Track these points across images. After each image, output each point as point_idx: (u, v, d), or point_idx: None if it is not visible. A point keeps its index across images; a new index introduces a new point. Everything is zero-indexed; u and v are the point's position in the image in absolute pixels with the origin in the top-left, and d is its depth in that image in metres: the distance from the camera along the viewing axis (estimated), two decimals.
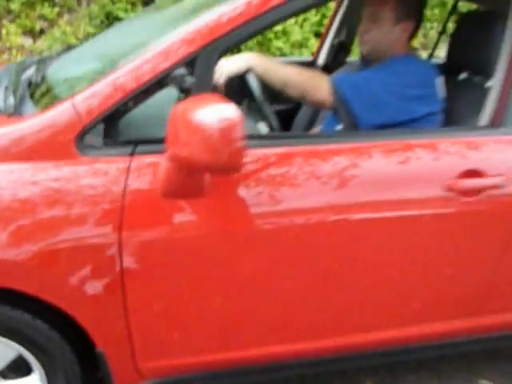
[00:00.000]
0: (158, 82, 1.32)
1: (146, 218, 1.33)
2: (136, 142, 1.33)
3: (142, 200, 1.33)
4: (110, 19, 5.42)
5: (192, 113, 1.15)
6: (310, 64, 2.72)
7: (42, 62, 1.85)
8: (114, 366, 1.46)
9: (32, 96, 1.55)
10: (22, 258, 1.25)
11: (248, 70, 1.67)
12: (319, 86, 1.72)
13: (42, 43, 5.35)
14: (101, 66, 1.55)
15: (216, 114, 1.15)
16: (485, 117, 1.63)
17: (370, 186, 1.49)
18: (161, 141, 1.28)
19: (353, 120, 1.72)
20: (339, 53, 2.69)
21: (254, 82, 1.67)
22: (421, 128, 1.74)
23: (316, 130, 2.17)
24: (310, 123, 2.35)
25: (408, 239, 1.57)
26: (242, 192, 1.38)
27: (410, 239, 1.57)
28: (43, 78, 1.66)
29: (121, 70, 1.33)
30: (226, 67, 1.67)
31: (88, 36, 5.18)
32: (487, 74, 1.78)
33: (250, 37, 1.42)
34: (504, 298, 1.81)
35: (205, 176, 1.29)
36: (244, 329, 1.55)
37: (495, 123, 1.59)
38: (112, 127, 1.32)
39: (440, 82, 1.84)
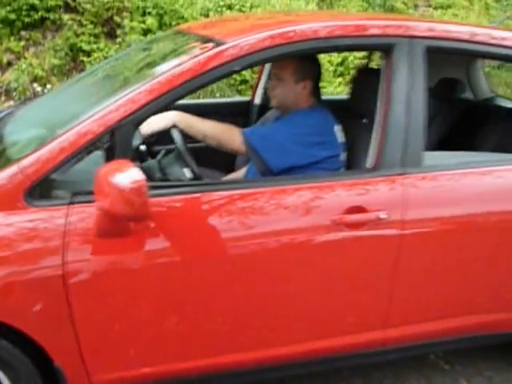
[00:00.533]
0: (89, 147, 1.63)
1: (83, 253, 1.64)
2: (73, 194, 1.64)
3: (78, 239, 1.62)
4: (74, 51, 5.69)
5: (112, 175, 1.46)
6: (248, 104, 3.04)
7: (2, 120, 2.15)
8: (70, 379, 1.74)
9: None
10: None
11: (172, 126, 1.99)
12: (232, 138, 2.03)
13: (9, 75, 5.61)
14: (44, 131, 1.85)
15: (128, 176, 1.46)
16: (369, 160, 1.96)
17: (273, 221, 1.80)
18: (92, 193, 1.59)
19: (264, 165, 2.05)
20: None
21: (177, 136, 1.99)
22: (323, 169, 2.07)
23: (243, 170, 2.48)
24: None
25: (308, 266, 1.88)
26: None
27: (310, 265, 1.88)
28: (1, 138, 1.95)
29: (60, 138, 1.63)
30: (154, 123, 1.99)
31: (53, 69, 5.43)
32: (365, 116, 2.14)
33: (162, 109, 1.72)
34: (403, 314, 2.11)
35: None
36: (186, 341, 1.85)
37: (376, 166, 1.92)
38: (54, 183, 1.62)
39: (338, 128, 2.17)
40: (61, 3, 5.71)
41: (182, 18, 5.52)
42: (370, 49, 1.99)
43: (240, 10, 5.82)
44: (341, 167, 2.16)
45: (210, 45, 1.77)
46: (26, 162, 1.61)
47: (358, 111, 2.30)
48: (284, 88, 2.12)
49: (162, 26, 5.53)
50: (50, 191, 1.63)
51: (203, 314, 1.82)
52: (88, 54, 5.63)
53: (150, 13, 5.51)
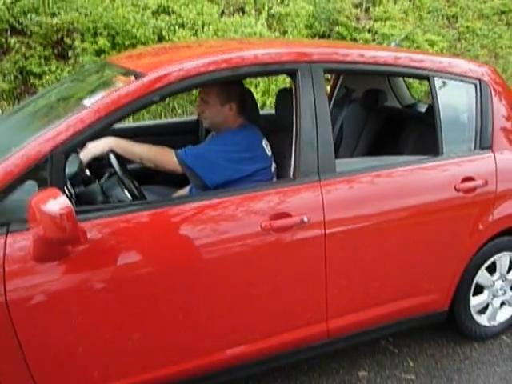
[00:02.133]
0: (22, 178, 1.76)
1: (22, 277, 1.76)
2: (8, 223, 1.77)
3: (18, 266, 1.74)
4: (24, 74, 5.56)
5: (43, 203, 1.61)
6: (196, 122, 3.30)
7: None
8: None
9: None
10: None
11: (109, 151, 2.22)
12: (167, 159, 2.27)
13: None
14: None
15: (57, 203, 1.61)
16: (291, 170, 2.22)
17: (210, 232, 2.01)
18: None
19: (201, 181, 2.29)
20: None
21: (113, 160, 2.23)
22: (256, 181, 2.30)
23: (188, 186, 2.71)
24: None
25: (245, 269, 2.11)
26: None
27: (247, 269, 2.12)
28: None
29: None
30: (92, 149, 2.23)
31: (2, 93, 5.27)
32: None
33: (89, 138, 1.90)
34: (340, 305, 2.36)
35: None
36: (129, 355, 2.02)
37: (295, 176, 2.18)
38: None
39: (266, 143, 2.43)
40: (7, 26, 5.58)
41: (135, 37, 5.53)
42: (278, 73, 2.22)
43: (192, 29, 5.93)
44: (272, 177, 2.42)
45: (132, 77, 1.99)
46: None
47: (282, 126, 2.56)
48: (211, 110, 2.36)
49: (115, 45, 5.54)
50: None
51: (137, 325, 1.98)
52: (39, 76, 5.50)
53: (101, 33, 5.48)
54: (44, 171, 1.79)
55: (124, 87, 1.94)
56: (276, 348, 2.28)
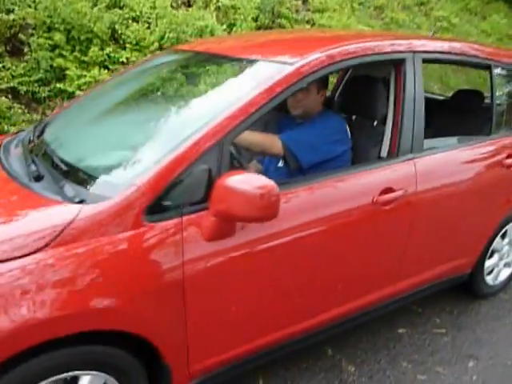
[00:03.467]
0: (195, 164, 1.81)
1: (197, 254, 1.82)
2: (183, 205, 1.81)
3: (193, 246, 1.79)
4: None
5: (237, 183, 1.69)
6: None
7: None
8: (174, 374, 1.95)
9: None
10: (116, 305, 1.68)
11: None
12: (273, 144, 2.38)
13: None
14: (124, 154, 2.00)
15: (256, 184, 1.72)
16: (384, 151, 2.43)
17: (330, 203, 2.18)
18: (198, 203, 1.81)
19: (296, 162, 2.41)
20: None
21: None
22: (341, 161, 2.49)
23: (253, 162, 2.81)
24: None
25: (353, 237, 2.30)
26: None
27: (355, 237, 2.30)
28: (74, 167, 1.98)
29: (166, 159, 1.79)
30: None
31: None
32: (371, 117, 2.61)
33: (248, 128, 1.96)
34: (413, 267, 2.67)
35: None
36: (258, 324, 2.16)
37: (392, 154, 2.40)
38: (167, 197, 1.78)
39: (347, 126, 2.61)
40: None
41: (91, 32, 5.39)
42: (390, 62, 2.41)
43: (146, 22, 5.84)
44: (350, 159, 2.60)
45: (280, 66, 2.07)
46: (142, 181, 1.74)
47: (344, 111, 2.74)
48: (310, 98, 2.51)
49: (69, 40, 5.34)
50: (163, 205, 1.78)
51: (293, 291, 2.17)
52: None
53: (57, 28, 5.30)
54: (214, 157, 1.84)
55: (275, 76, 2.01)
56: (363, 306, 2.54)
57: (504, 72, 2.96)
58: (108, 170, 1.92)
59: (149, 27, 5.94)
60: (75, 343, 1.67)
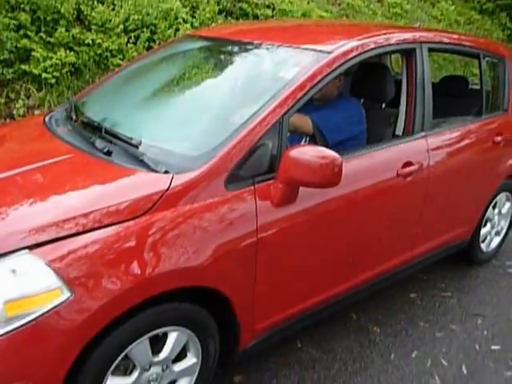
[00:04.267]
0: (263, 138, 2.06)
1: (269, 221, 2.07)
2: (254, 175, 2.05)
3: (265, 211, 2.04)
4: None
5: (305, 154, 1.97)
6: None
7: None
8: (242, 330, 2.18)
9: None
10: (205, 264, 1.92)
11: None
12: (305, 123, 2.66)
13: None
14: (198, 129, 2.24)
15: (322, 154, 1.99)
16: (399, 129, 2.75)
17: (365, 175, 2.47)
18: (265, 173, 2.06)
19: (324, 140, 2.69)
20: None
21: None
22: (359, 140, 2.79)
23: None
24: None
25: (383, 206, 2.60)
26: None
27: (385, 206, 2.61)
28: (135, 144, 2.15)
29: (242, 132, 2.02)
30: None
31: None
32: (379, 100, 2.93)
33: (300, 107, 2.22)
34: (426, 233, 2.99)
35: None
36: (313, 283, 2.43)
37: (407, 132, 2.72)
38: (242, 168, 2.02)
39: (362, 109, 2.91)
40: None
41: (58, 12, 5.37)
42: (403, 51, 2.74)
43: (112, 4, 5.89)
44: (365, 138, 2.91)
45: (319, 54, 2.34)
46: (221, 153, 1.97)
47: (353, 95, 3.04)
48: (331, 82, 2.77)
49: (35, 21, 5.29)
50: (239, 175, 2.02)
51: (350, 249, 2.49)
52: None
53: (22, 8, 5.20)
54: (276, 132, 2.10)
55: (316, 63, 2.29)
56: (389, 269, 2.86)
57: (489, 60, 3.34)
58: (186, 144, 2.15)
59: (113, 9, 6.01)
60: (167, 301, 1.89)
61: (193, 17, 6.81)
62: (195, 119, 2.33)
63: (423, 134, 2.75)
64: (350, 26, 3.61)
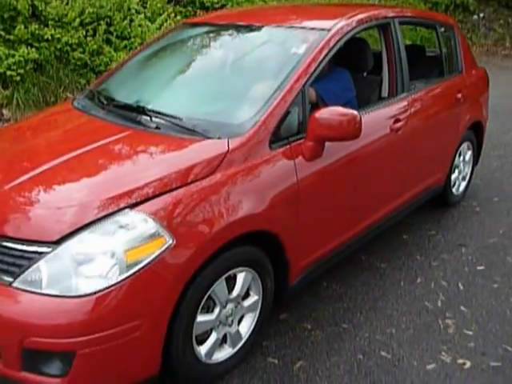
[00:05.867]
0: (292, 104, 2.48)
1: (304, 172, 2.47)
2: (288, 136, 2.47)
3: (301, 164, 2.45)
4: None
5: (329, 114, 2.43)
6: None
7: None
8: (291, 267, 2.58)
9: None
10: (264, 211, 2.32)
11: None
12: (310, 94, 3.08)
13: None
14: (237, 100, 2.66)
15: (344, 112, 2.45)
16: (384, 92, 3.25)
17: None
18: (295, 134, 2.49)
19: (326, 106, 3.11)
20: None
21: None
22: (352, 105, 3.22)
23: None
24: None
25: (385, 157, 3.10)
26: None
27: (386, 157, 3.11)
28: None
29: (275, 100, 2.44)
30: None
31: None
32: (361, 69, 3.42)
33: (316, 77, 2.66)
34: (414, 180, 3.52)
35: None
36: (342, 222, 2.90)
37: (392, 94, 3.23)
38: (279, 130, 2.43)
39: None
40: None
41: (15, 9, 5.53)
42: (382, 26, 3.23)
43: None
44: (357, 102, 3.38)
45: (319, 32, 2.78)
46: (263, 118, 2.37)
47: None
48: None
49: None
50: (278, 136, 2.43)
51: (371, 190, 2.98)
52: None
53: None
54: (301, 98, 2.53)
55: (321, 38, 2.74)
56: (389, 212, 3.37)
57: (443, 30, 3.91)
58: (230, 114, 2.57)
59: (68, 3, 6.24)
60: (237, 246, 2.28)
61: (144, 7, 7.08)
62: (229, 93, 2.74)
63: (405, 94, 3.27)
64: (328, 7, 4.13)
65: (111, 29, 6.62)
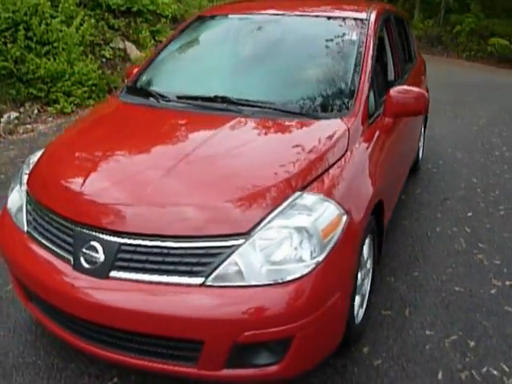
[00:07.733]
0: (370, 87, 2.82)
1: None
2: (371, 114, 2.82)
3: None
4: None
5: (402, 93, 2.84)
6: None
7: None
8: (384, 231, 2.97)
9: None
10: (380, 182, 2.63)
11: None
12: None
13: None
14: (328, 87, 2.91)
15: (415, 91, 2.88)
16: (391, 76, 3.76)
17: None
18: (375, 111, 2.86)
19: None
20: None
21: None
22: None
23: None
24: None
25: (409, 128, 3.64)
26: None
27: (409, 128, 3.66)
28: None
29: (362, 85, 2.77)
30: None
31: None
32: None
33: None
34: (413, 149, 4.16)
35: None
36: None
37: (397, 77, 3.76)
38: (368, 110, 2.76)
39: None
40: None
41: None
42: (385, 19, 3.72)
43: None
44: None
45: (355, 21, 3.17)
46: (359, 100, 2.68)
47: None
48: None
49: None
50: (368, 114, 2.75)
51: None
52: None
53: None
54: (374, 80, 2.92)
55: (364, 27, 3.13)
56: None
57: (401, 22, 4.58)
58: (329, 95, 2.85)
59: None
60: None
61: (56, 11, 6.98)
62: (314, 78, 2.98)
63: (406, 76, 3.85)
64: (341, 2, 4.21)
65: (29, 34, 6.40)
